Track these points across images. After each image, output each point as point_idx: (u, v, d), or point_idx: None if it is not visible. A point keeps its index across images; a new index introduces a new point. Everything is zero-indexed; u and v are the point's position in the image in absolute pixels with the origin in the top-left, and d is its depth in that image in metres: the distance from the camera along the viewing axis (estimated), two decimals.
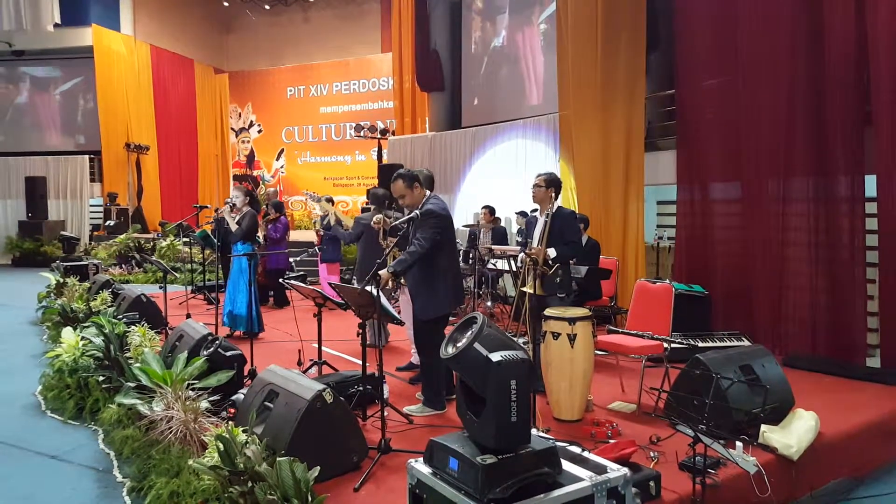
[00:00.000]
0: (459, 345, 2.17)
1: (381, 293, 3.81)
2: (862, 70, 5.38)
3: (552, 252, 4.46)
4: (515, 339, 2.71)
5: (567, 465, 2.23)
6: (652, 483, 2.96)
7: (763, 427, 3.61)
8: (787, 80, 5.92)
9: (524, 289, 4.57)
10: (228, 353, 4.51)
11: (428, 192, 4.43)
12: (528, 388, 2.07)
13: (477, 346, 2.05)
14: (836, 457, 3.79)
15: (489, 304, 8.18)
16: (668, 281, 5.21)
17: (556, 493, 2.09)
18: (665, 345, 4.39)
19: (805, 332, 5.87)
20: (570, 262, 4.73)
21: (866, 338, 5.57)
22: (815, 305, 5.80)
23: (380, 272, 3.86)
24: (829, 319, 5.71)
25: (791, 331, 5.97)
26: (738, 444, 3.06)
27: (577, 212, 6.47)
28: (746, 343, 5.45)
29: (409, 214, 4.34)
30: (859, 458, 3.93)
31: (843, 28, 5.45)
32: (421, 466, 2.26)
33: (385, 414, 3.66)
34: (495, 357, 2.03)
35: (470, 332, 2.19)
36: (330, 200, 8.47)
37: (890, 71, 5.14)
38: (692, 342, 5.07)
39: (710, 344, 5.34)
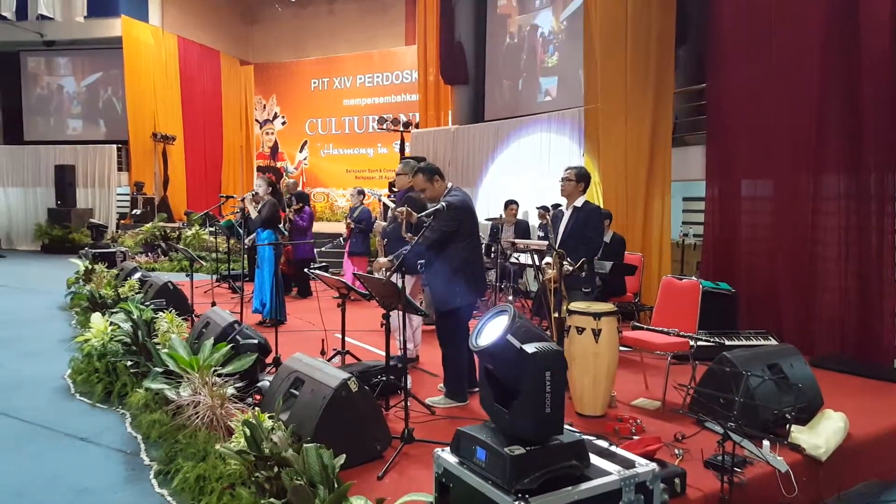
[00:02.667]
0: (491, 337, 2.17)
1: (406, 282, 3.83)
2: None
3: (567, 267, 4.40)
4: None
5: (595, 459, 2.22)
6: (677, 480, 2.94)
7: (791, 427, 3.56)
8: (820, 73, 5.80)
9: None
10: (249, 341, 4.56)
11: (449, 185, 4.43)
12: (562, 380, 2.07)
13: (510, 337, 2.05)
14: (864, 459, 3.73)
15: (511, 298, 8.16)
16: (694, 278, 5.15)
17: (584, 486, 2.08)
18: (691, 342, 4.34)
19: (833, 333, 5.78)
20: (595, 257, 4.69)
21: (895, 339, 5.47)
22: (844, 305, 5.70)
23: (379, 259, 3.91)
24: (858, 320, 5.61)
25: (818, 330, 5.88)
26: (766, 442, 3.02)
27: (601, 207, 6.41)
28: (773, 342, 5.37)
29: (433, 207, 4.33)
30: (888, 461, 3.86)
31: (879, 20, 5.32)
32: (448, 456, 2.26)
33: (408, 404, 3.67)
34: (530, 348, 2.03)
35: (502, 324, 2.18)
36: (361, 193, 8.49)
37: None
38: (719, 340, 5.01)
39: (737, 342, 5.27)
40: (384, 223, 4.97)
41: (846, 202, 5.69)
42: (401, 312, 3.76)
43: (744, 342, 5.30)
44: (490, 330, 2.25)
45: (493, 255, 7.97)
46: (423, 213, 4.25)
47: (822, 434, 3.58)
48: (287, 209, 8.33)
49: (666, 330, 4.41)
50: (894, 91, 5.29)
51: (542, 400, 2.02)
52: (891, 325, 5.44)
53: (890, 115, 5.32)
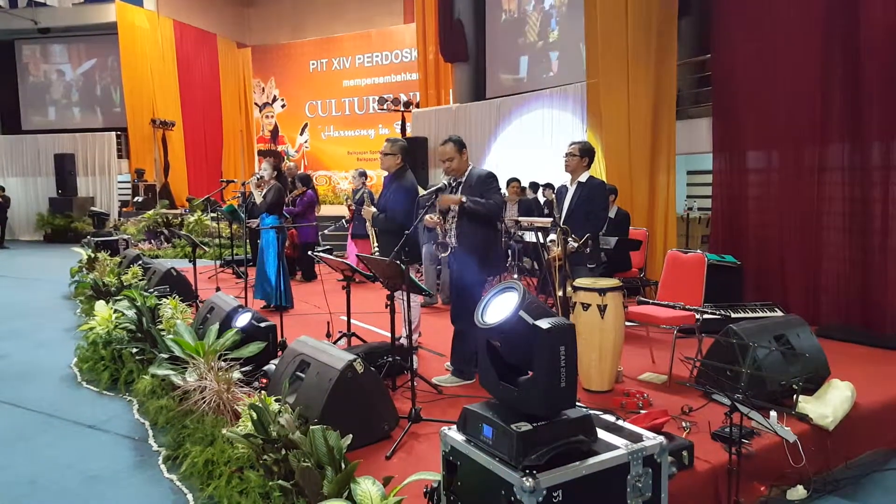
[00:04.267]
0: (499, 314, 2.15)
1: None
2: None
3: (572, 243, 4.35)
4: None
5: (602, 434, 2.21)
6: (685, 453, 2.94)
7: (799, 397, 3.55)
8: (823, 45, 5.74)
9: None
10: (262, 325, 4.57)
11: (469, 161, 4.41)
12: (574, 353, 2.06)
13: (523, 314, 2.04)
14: (871, 428, 3.73)
15: (515, 276, 8.14)
16: (699, 251, 5.12)
17: (592, 460, 2.07)
18: (697, 315, 4.32)
19: (839, 303, 5.78)
20: (599, 233, 4.65)
21: None
22: (849, 275, 5.70)
23: (449, 195, 3.95)
24: (862, 289, 5.62)
25: (824, 300, 5.88)
26: (773, 413, 3.01)
27: (606, 182, 6.36)
28: (780, 313, 5.34)
29: (434, 186, 4.29)
30: (895, 430, 3.85)
31: None
32: (454, 434, 2.25)
33: (414, 384, 3.67)
34: (544, 324, 2.02)
35: (509, 301, 2.16)
36: (363, 174, 8.44)
37: None
38: (724, 313, 4.99)
39: (743, 315, 5.25)
40: (373, 209, 4.88)
41: (850, 173, 5.67)
42: (405, 294, 3.74)
43: (750, 314, 5.27)
44: (496, 307, 2.23)
45: (499, 232, 7.93)
46: (427, 192, 4.21)
47: (830, 404, 3.58)
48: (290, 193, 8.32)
49: (672, 304, 4.39)
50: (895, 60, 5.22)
51: (557, 374, 2.02)
52: (895, 294, 5.42)
53: (891, 86, 5.25)
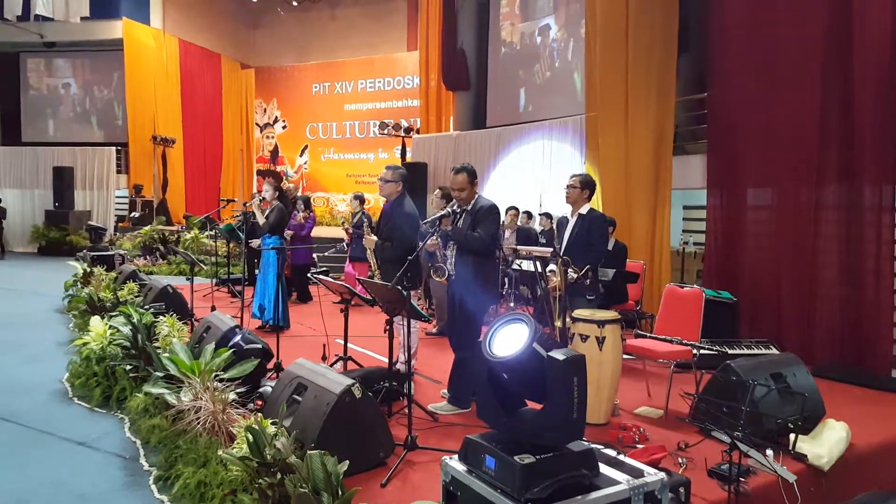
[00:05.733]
0: (510, 346, 2.16)
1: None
2: (893, 79, 5.29)
3: (572, 274, 4.40)
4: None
5: (603, 468, 2.21)
6: (682, 489, 2.93)
7: (796, 436, 3.55)
8: (820, 86, 5.86)
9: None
10: (252, 346, 4.54)
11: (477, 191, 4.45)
12: (586, 384, 2.07)
13: (536, 346, 2.05)
14: (866, 469, 3.74)
15: (512, 304, 8.15)
16: (696, 286, 5.15)
17: (594, 495, 2.07)
18: (694, 350, 4.34)
19: (833, 342, 5.81)
20: (598, 264, 4.69)
21: (892, 349, 5.49)
22: (843, 315, 5.75)
23: (441, 217, 4.06)
24: (856, 329, 5.65)
25: (819, 340, 5.90)
26: (769, 452, 3.01)
27: (605, 215, 6.43)
28: (775, 351, 5.37)
29: (439, 213, 4.33)
30: (889, 471, 3.87)
31: (877, 36, 5.38)
32: (455, 464, 2.25)
33: (411, 410, 3.65)
34: (559, 356, 2.03)
35: (518, 333, 2.18)
36: (360, 200, 8.46)
37: None
38: (721, 349, 5.01)
39: (740, 351, 5.28)
40: (374, 238, 4.89)
41: (845, 213, 5.74)
42: (405, 319, 3.74)
43: (746, 351, 5.30)
44: (503, 338, 2.24)
45: (496, 261, 7.96)
46: (431, 218, 4.24)
47: (825, 444, 3.58)
48: (297, 213, 8.33)
49: (669, 338, 4.40)
50: (890, 103, 5.33)
51: (570, 406, 2.04)
52: (888, 335, 5.48)
53: (886, 128, 5.37)
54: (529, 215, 9.55)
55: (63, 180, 16.18)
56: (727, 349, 5.12)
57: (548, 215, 9.17)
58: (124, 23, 16.60)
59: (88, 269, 8.74)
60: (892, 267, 5.44)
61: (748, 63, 6.58)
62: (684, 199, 8.72)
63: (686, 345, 4.31)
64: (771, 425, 3.57)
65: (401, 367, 4.61)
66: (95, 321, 5.81)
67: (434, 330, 6.78)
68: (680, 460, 3.38)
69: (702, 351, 4.33)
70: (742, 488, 3.02)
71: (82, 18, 16.24)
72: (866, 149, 5.50)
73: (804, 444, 3.54)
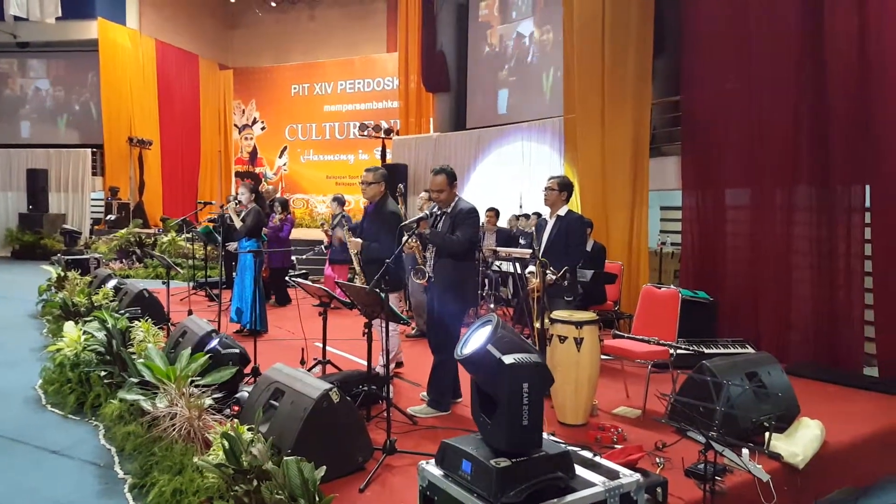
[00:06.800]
0: (473, 346, 2.16)
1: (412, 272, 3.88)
2: (863, 82, 5.40)
3: (550, 276, 4.42)
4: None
5: (579, 470, 2.22)
6: (659, 489, 2.94)
7: (770, 435, 3.59)
8: (793, 87, 5.95)
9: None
10: (230, 350, 4.49)
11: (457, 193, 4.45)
12: (542, 392, 2.06)
13: (490, 347, 2.04)
14: (840, 466, 3.79)
15: (492, 306, 8.17)
16: (673, 286, 5.20)
17: (570, 497, 2.08)
18: (671, 350, 4.38)
19: (807, 341, 5.89)
20: (577, 266, 4.72)
21: (864, 347, 5.59)
22: (817, 314, 5.84)
23: (420, 220, 4.01)
24: (830, 328, 5.74)
25: (794, 339, 5.99)
26: (745, 451, 3.05)
27: (583, 216, 6.47)
28: (751, 350, 5.44)
29: (418, 216, 4.32)
30: (863, 468, 3.92)
31: (847, 38, 5.47)
32: (432, 468, 2.24)
33: (390, 414, 3.63)
34: (508, 359, 2.02)
35: (484, 334, 2.17)
36: (340, 202, 8.41)
37: (892, 84, 5.19)
38: (698, 348, 5.06)
39: (716, 350, 5.33)
40: (359, 241, 4.87)
41: (818, 214, 5.83)
42: (383, 322, 3.73)
43: (722, 350, 5.36)
44: (475, 340, 2.24)
45: (476, 263, 7.96)
46: (409, 221, 4.23)
47: (800, 442, 3.63)
48: (273, 216, 8.26)
49: (646, 339, 4.44)
50: (859, 106, 5.44)
51: (518, 412, 2.02)
52: (860, 333, 5.58)
53: (855, 129, 5.47)
54: (524, 216, 9.58)
55: (37, 183, 15.89)
56: (703, 349, 5.17)
57: (527, 216, 9.21)
58: (99, 23, 16.36)
59: (63, 274, 8.59)
60: (862, 266, 5.55)
61: (722, 66, 6.67)
62: (662, 200, 8.81)
63: (663, 345, 4.35)
64: (746, 424, 3.60)
65: (380, 370, 4.60)
66: (69, 327, 5.71)
67: (413, 332, 6.76)
68: (657, 460, 3.40)
69: (678, 351, 4.37)
70: (718, 487, 3.05)
71: (57, 19, 15.96)
72: (838, 149, 5.60)
73: (779, 443, 3.59)
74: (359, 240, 4.86)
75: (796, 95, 5.93)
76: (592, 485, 2.16)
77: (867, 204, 5.49)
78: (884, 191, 5.30)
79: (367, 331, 3.90)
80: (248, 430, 3.28)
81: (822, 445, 3.70)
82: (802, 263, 5.97)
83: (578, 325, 4.11)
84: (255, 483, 2.78)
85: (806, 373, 5.45)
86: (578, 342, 4.09)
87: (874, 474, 3.97)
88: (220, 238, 6.56)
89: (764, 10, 6.19)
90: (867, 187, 5.46)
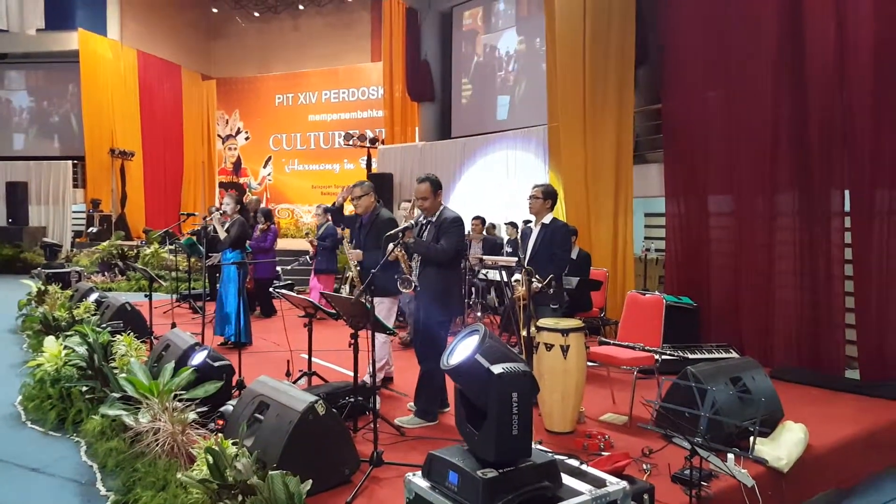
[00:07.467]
0: (461, 356, 2.15)
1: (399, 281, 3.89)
2: (840, 89, 5.49)
3: (536, 284, 4.44)
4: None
5: (566, 479, 2.22)
6: (646, 496, 2.95)
7: (755, 440, 3.61)
8: (773, 94, 6.02)
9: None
10: (217, 364, 4.44)
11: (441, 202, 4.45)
12: (530, 401, 2.05)
13: (479, 357, 2.04)
14: (823, 469, 3.82)
15: (479, 314, 8.16)
16: (658, 293, 5.24)
17: None
18: (656, 356, 4.40)
19: (790, 345, 5.94)
20: (562, 273, 4.74)
21: (845, 350, 5.65)
22: (799, 318, 5.88)
23: (405, 230, 4.02)
24: (811, 332, 5.79)
25: (777, 343, 6.03)
26: (730, 456, 3.07)
27: (567, 224, 6.50)
28: (735, 355, 5.48)
29: (403, 225, 4.32)
30: (846, 469, 3.96)
31: (825, 46, 5.57)
32: (419, 480, 2.23)
33: (377, 426, 3.61)
34: (497, 369, 2.02)
35: (472, 344, 2.17)
36: (326, 210, 8.38)
37: (868, 92, 5.28)
38: (682, 354, 5.09)
39: (700, 356, 5.37)
40: (359, 251, 4.90)
41: (798, 219, 5.90)
42: (370, 332, 3.71)
43: (706, 355, 5.40)
44: (462, 349, 2.24)
45: (461, 271, 7.96)
46: (394, 231, 4.23)
47: (784, 446, 3.65)
48: (257, 226, 8.21)
49: (631, 345, 4.46)
50: (838, 113, 5.52)
51: (508, 422, 2.01)
52: (841, 336, 5.63)
53: (833, 136, 5.56)
54: (515, 225, 9.58)
55: (17, 195, 15.70)
56: (688, 354, 5.21)
57: (513, 224, 9.23)
58: (80, 34, 16.25)
59: (43, 288, 8.46)
60: (842, 270, 5.62)
61: (702, 73, 6.75)
62: (646, 207, 8.88)
63: (648, 351, 4.37)
64: (731, 429, 3.62)
65: (368, 379, 4.58)
66: (50, 341, 5.62)
67: (407, 338, 6.74)
68: (644, 466, 3.41)
69: (663, 357, 4.40)
70: (704, 492, 3.06)
71: (38, 30, 15.82)
72: (816, 156, 5.68)
73: (763, 447, 3.61)
74: (358, 251, 4.89)
75: (776, 101, 6.01)
76: (579, 493, 2.16)
77: (846, 208, 5.56)
78: (862, 195, 5.37)
79: (353, 342, 3.88)
80: (233, 444, 3.25)
81: (806, 449, 3.73)
82: (784, 268, 6.04)
83: (565, 332, 4.12)
84: (240, 498, 2.75)
85: (789, 377, 5.50)
86: (565, 350, 4.10)
87: (858, 476, 4.01)
88: (203, 249, 6.50)
89: (743, 18, 6.28)
90: (846, 192, 5.54)
